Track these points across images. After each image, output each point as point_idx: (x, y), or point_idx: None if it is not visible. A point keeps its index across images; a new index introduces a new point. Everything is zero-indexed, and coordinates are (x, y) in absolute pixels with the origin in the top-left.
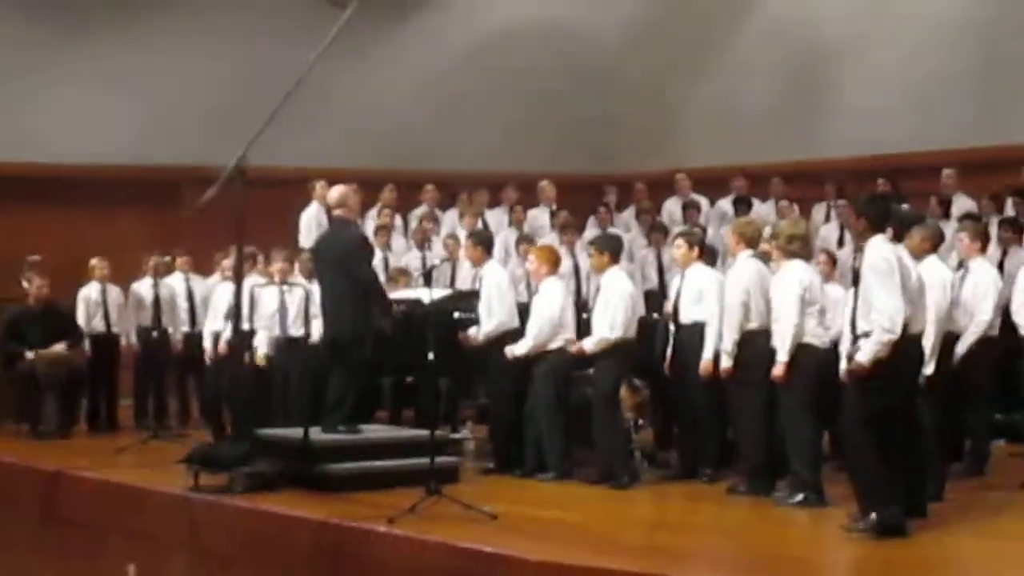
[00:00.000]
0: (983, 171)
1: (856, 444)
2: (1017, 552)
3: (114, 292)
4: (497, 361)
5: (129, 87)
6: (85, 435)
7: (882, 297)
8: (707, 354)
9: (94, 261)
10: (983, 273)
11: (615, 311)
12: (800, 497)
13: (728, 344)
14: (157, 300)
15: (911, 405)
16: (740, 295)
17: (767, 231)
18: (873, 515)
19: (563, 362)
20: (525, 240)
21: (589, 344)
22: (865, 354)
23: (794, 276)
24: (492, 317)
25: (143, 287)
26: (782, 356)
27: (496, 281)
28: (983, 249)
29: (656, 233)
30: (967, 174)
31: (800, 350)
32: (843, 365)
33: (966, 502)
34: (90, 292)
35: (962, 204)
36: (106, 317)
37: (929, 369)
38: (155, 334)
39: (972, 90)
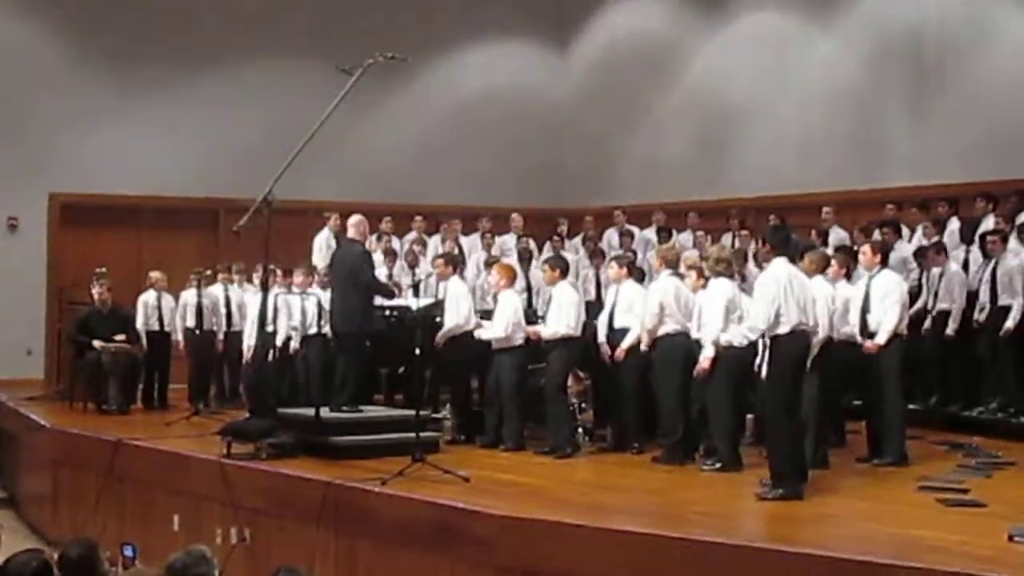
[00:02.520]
0: (855, 208)
1: (775, 426)
2: (876, 510)
3: (167, 298)
4: (455, 353)
5: (182, 132)
6: (141, 412)
7: (755, 307)
8: (624, 344)
9: (153, 273)
10: (846, 291)
11: (567, 312)
12: (718, 464)
13: (645, 343)
14: (200, 306)
15: (800, 393)
16: (657, 306)
17: (685, 255)
18: (780, 490)
19: (524, 357)
20: (493, 261)
21: (546, 332)
22: (737, 338)
23: (721, 290)
24: (449, 321)
25: (189, 294)
26: (708, 352)
27: (455, 292)
28: (848, 274)
29: (596, 257)
30: (842, 210)
31: (723, 348)
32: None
33: (840, 472)
34: (148, 298)
35: (837, 235)
36: (160, 318)
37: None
38: (197, 332)
39: (846, 143)
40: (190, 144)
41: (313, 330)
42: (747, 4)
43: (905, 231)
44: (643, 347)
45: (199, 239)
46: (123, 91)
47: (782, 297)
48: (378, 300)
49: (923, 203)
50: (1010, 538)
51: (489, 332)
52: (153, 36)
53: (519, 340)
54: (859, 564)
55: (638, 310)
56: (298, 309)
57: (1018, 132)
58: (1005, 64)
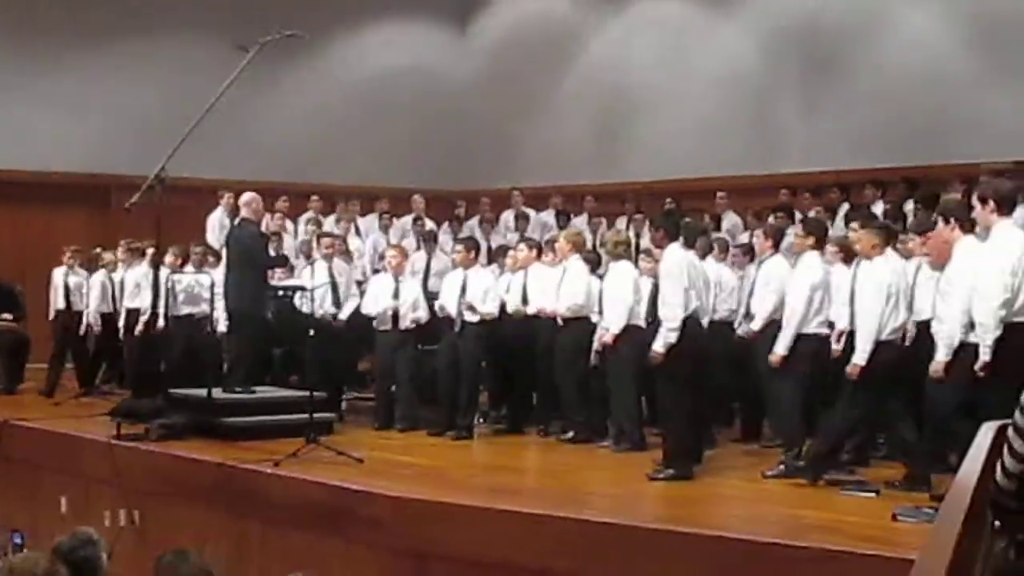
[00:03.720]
0: (749, 193)
1: (669, 407)
2: (768, 491)
3: (75, 278)
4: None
5: (72, 107)
6: (31, 392)
7: (669, 297)
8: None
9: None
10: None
11: (488, 295)
12: (627, 445)
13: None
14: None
15: (702, 377)
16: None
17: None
18: (671, 470)
19: (414, 340)
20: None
21: (485, 309)
22: (657, 345)
23: (625, 272)
24: (349, 303)
25: (59, 275)
26: (615, 330)
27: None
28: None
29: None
30: (736, 196)
31: (626, 331)
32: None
33: (732, 455)
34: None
35: (731, 220)
36: (67, 297)
37: None
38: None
39: (741, 130)
40: (82, 120)
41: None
42: None
43: (798, 216)
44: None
45: (89, 216)
46: (12, 65)
47: (687, 283)
48: (273, 281)
49: (816, 189)
50: (894, 517)
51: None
52: (43, 9)
53: (409, 324)
54: (745, 543)
55: (551, 293)
56: (182, 290)
57: (907, 120)
58: (897, 53)
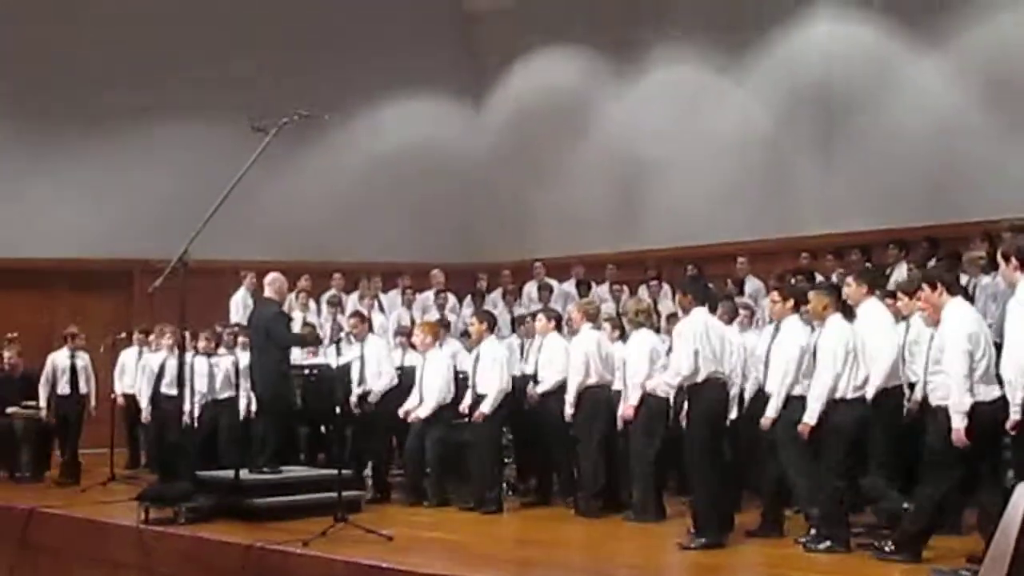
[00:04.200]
0: (769, 258)
1: (697, 474)
2: (797, 556)
3: (82, 357)
4: (384, 416)
5: (94, 193)
6: (55, 479)
7: (675, 354)
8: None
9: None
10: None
11: (500, 371)
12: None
13: (571, 397)
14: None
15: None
16: (583, 359)
17: (603, 308)
18: (703, 539)
19: (447, 418)
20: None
21: (487, 407)
22: (661, 387)
23: (644, 341)
24: (381, 380)
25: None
26: (633, 399)
27: (376, 351)
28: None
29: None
30: (756, 260)
31: (647, 399)
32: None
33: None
34: (59, 357)
35: (753, 284)
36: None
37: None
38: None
39: (758, 194)
40: (103, 204)
41: (226, 394)
42: (659, 57)
43: (819, 280)
44: (568, 406)
45: (113, 301)
46: (31, 152)
47: (699, 345)
48: (298, 359)
49: (837, 251)
50: None
51: (425, 410)
52: (62, 94)
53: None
54: None
55: (559, 364)
56: (205, 373)
57: (925, 178)
58: (910, 112)
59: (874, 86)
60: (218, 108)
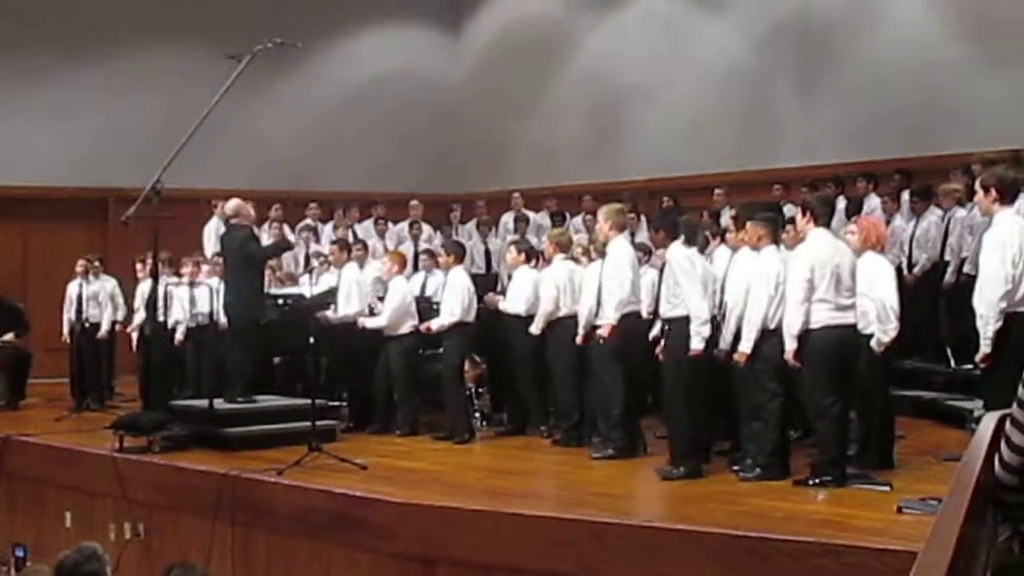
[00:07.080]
0: (745, 189)
1: (674, 406)
2: (775, 487)
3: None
4: (358, 340)
5: (67, 121)
6: (32, 407)
7: (690, 294)
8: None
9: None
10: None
11: (459, 298)
12: (610, 451)
13: (537, 327)
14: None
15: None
16: (553, 290)
17: (576, 239)
18: (682, 468)
19: (412, 343)
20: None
21: (436, 324)
22: (695, 342)
23: (621, 252)
24: (350, 305)
25: (73, 287)
26: (611, 319)
27: (353, 278)
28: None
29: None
30: (733, 192)
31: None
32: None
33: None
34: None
35: (729, 215)
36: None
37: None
38: (86, 326)
39: (737, 125)
40: (76, 133)
41: (205, 320)
42: None
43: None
44: (535, 330)
45: (87, 230)
46: (5, 81)
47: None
48: (272, 290)
49: (811, 183)
50: (899, 510)
51: (373, 321)
52: (35, 22)
53: (407, 328)
54: (751, 539)
55: (528, 295)
56: (187, 299)
57: (901, 112)
58: (888, 45)
59: (853, 18)
60: (193, 36)
